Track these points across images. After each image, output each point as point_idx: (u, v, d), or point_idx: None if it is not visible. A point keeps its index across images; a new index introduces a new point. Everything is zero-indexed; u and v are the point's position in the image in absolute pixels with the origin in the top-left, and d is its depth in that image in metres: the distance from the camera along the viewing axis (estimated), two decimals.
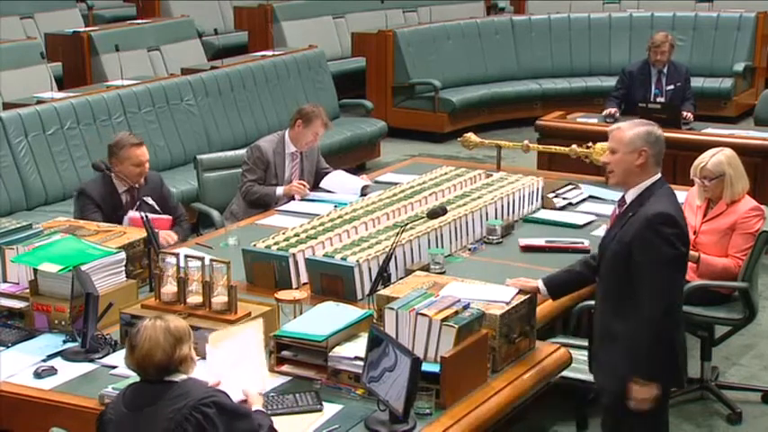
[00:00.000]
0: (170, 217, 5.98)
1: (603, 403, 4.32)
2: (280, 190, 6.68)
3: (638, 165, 4.13)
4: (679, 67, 9.12)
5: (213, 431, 3.38)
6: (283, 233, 5.45)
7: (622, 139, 4.15)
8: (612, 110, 8.83)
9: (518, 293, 4.46)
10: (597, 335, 4.31)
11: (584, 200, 6.54)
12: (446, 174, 6.54)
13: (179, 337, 3.45)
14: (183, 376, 3.48)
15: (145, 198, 5.81)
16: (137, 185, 6.03)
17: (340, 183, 6.84)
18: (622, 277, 4.10)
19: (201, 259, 4.53)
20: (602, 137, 6.73)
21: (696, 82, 10.08)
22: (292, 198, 6.64)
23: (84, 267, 4.59)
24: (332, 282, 5.02)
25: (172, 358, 3.43)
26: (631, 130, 4.15)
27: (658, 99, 8.90)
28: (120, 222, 5.75)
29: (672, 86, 9.00)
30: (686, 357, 4.31)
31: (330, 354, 4.14)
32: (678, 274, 4.11)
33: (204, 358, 3.90)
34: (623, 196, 4.24)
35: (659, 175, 4.18)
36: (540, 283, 4.55)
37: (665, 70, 9.01)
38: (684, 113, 8.67)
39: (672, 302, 4.05)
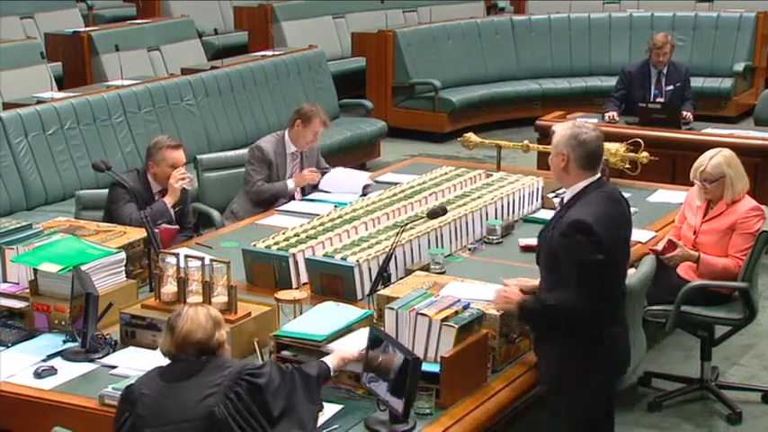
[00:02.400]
0: (176, 227, 6.00)
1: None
2: (291, 183, 6.68)
3: (561, 168, 4.18)
4: (679, 67, 9.11)
5: (268, 382, 3.53)
6: (283, 233, 5.45)
7: (552, 141, 4.24)
8: (613, 113, 8.82)
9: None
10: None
11: None
12: (446, 174, 6.54)
13: (218, 322, 3.59)
14: (219, 354, 3.57)
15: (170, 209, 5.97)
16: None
17: (341, 181, 6.81)
18: (552, 275, 4.14)
19: (201, 259, 4.53)
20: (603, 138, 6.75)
21: (696, 82, 10.08)
22: (293, 198, 6.65)
23: (84, 267, 4.60)
24: (332, 282, 5.02)
25: (211, 340, 3.54)
26: (559, 132, 4.22)
27: (658, 99, 8.89)
28: None
29: (671, 87, 8.99)
30: (621, 352, 4.24)
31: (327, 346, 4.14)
32: (593, 277, 4.01)
33: None
34: (562, 197, 4.31)
35: (594, 178, 4.17)
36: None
37: (664, 71, 8.99)
38: (684, 113, 8.66)
39: (580, 300, 4.00)
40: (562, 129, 4.23)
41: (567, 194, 4.22)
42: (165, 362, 3.59)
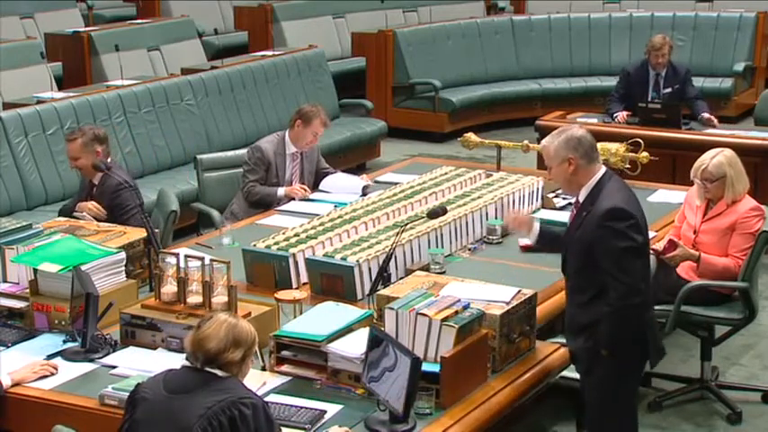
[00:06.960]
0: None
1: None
2: (281, 191, 6.68)
3: (571, 174, 4.32)
4: (678, 69, 9.03)
5: (244, 431, 3.40)
6: (283, 233, 5.45)
7: (549, 154, 4.37)
8: (624, 112, 8.75)
9: (518, 293, 4.47)
10: (567, 328, 4.53)
11: None
12: (446, 174, 6.54)
13: (237, 341, 3.48)
14: (226, 374, 3.48)
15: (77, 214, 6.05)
16: (89, 179, 6.21)
17: (340, 185, 6.82)
18: (587, 274, 4.30)
19: (201, 259, 4.53)
20: (602, 137, 6.76)
21: (696, 82, 10.03)
22: (292, 198, 6.65)
23: (84, 267, 4.60)
24: (332, 282, 5.02)
25: (220, 355, 3.45)
26: (553, 143, 4.35)
27: (655, 101, 8.86)
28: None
29: (669, 89, 8.93)
30: (655, 335, 4.46)
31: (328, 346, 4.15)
32: (637, 261, 4.25)
33: None
34: (576, 198, 4.42)
35: (603, 170, 4.35)
36: (536, 225, 4.76)
37: (663, 73, 8.92)
38: (706, 116, 8.60)
39: (632, 286, 4.19)
40: (552, 140, 4.36)
41: (582, 194, 4.34)
42: (168, 363, 3.55)
